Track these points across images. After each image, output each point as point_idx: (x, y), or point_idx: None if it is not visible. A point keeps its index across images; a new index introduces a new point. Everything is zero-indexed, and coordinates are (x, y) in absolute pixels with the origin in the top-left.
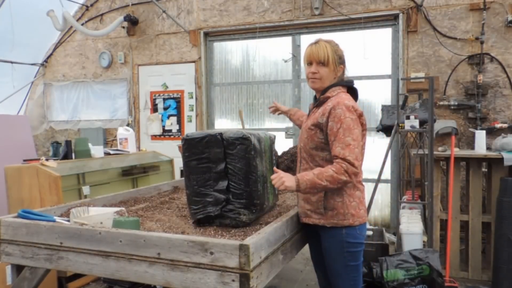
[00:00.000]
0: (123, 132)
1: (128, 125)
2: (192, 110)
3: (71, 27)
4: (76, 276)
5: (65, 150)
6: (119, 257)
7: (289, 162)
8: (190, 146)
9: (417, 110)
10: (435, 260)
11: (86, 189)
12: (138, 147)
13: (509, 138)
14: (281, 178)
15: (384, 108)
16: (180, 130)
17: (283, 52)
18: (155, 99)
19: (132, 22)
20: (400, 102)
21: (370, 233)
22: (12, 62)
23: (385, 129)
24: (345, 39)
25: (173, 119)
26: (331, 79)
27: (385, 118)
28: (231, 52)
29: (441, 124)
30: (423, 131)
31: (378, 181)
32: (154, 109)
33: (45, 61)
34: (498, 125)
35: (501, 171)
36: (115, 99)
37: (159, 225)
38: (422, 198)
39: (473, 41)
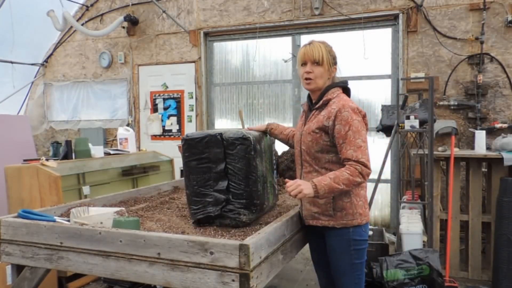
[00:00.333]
0: (123, 132)
1: (128, 125)
2: (192, 110)
3: (71, 27)
4: (76, 276)
5: (65, 150)
6: (119, 257)
7: (289, 162)
8: (190, 146)
9: (417, 110)
10: (435, 260)
11: (86, 189)
12: (138, 147)
13: (509, 138)
14: (299, 186)
15: (384, 108)
16: (180, 130)
17: (283, 52)
18: (155, 99)
19: (132, 22)
20: (400, 102)
21: (370, 233)
22: (12, 62)
23: (385, 129)
24: (345, 39)
25: (173, 119)
26: (325, 80)
27: (385, 118)
28: (231, 52)
29: (441, 124)
30: (423, 131)
31: (378, 181)
32: (154, 109)
33: (45, 61)
34: (498, 125)
35: (501, 171)
36: (115, 99)
37: (159, 225)
38: (422, 198)
39: (473, 41)
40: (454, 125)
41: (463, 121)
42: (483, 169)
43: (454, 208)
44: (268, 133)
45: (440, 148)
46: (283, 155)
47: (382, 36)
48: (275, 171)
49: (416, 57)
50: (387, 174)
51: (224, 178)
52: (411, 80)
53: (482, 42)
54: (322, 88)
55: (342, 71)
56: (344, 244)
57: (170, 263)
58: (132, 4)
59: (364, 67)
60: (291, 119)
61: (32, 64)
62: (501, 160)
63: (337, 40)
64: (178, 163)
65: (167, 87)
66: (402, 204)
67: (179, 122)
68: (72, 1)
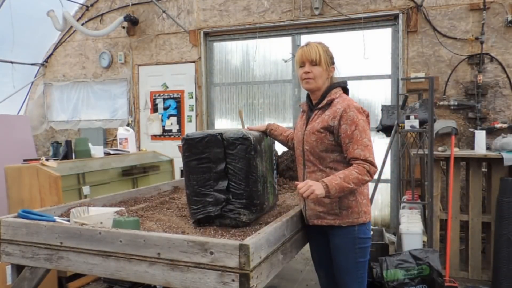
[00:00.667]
0: (123, 132)
1: (128, 125)
2: (192, 110)
3: (71, 27)
4: (76, 276)
5: (65, 150)
6: (119, 257)
7: (289, 162)
8: (190, 146)
9: (417, 110)
10: (435, 260)
11: (86, 189)
12: (138, 147)
13: (509, 138)
14: (310, 187)
15: (384, 108)
16: (180, 130)
17: (283, 52)
18: (155, 99)
19: (132, 22)
20: (400, 102)
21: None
22: (12, 62)
23: (385, 129)
24: (345, 39)
25: (173, 119)
26: (324, 79)
27: (385, 118)
28: (231, 52)
29: (441, 124)
30: (423, 131)
31: (378, 181)
32: (154, 109)
33: (45, 61)
34: (498, 125)
35: (501, 171)
36: (115, 99)
37: (159, 225)
38: (422, 198)
39: (473, 41)
40: (454, 125)
41: (463, 121)
42: (483, 169)
43: (454, 208)
44: (268, 133)
45: (440, 148)
46: (283, 155)
47: (382, 36)
48: (275, 171)
49: (416, 57)
50: (387, 174)
51: (224, 178)
52: (411, 80)
53: (482, 42)
54: (321, 88)
55: (342, 71)
56: (350, 242)
57: (170, 263)
58: (132, 4)
59: (364, 67)
60: (291, 119)
61: (32, 64)
62: (501, 160)
63: (337, 40)
64: (178, 163)
65: (167, 87)
66: (402, 204)
67: (179, 122)
68: (72, 1)
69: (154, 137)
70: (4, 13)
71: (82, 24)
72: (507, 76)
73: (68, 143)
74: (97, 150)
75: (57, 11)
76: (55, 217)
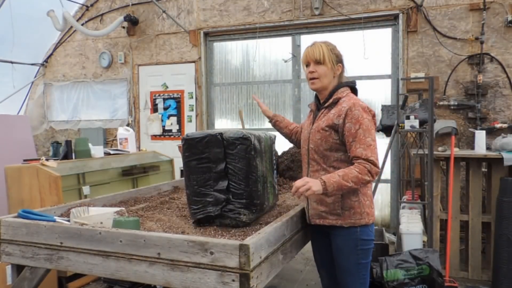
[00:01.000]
0: (123, 132)
1: (128, 125)
2: (192, 110)
3: (71, 27)
4: (76, 276)
5: (65, 150)
6: (119, 257)
7: (289, 162)
8: (190, 146)
9: (417, 110)
10: (435, 260)
11: (86, 189)
12: (138, 147)
13: (509, 138)
14: (307, 183)
15: (384, 108)
16: (180, 130)
17: (283, 52)
18: (155, 99)
19: (132, 22)
20: (400, 102)
21: None
22: (12, 62)
23: (385, 129)
24: (345, 39)
25: (173, 119)
26: (330, 78)
27: (385, 118)
28: (231, 52)
29: (441, 124)
30: (423, 131)
31: (378, 181)
32: (154, 109)
33: (45, 61)
34: (498, 125)
35: (501, 171)
36: (115, 99)
37: (159, 225)
38: (422, 198)
39: (473, 41)
40: (454, 125)
41: (463, 121)
42: (483, 169)
43: (454, 208)
44: (272, 124)
45: (440, 148)
46: (283, 155)
47: (382, 36)
48: (275, 171)
49: (416, 57)
50: (387, 174)
51: (224, 178)
52: (411, 80)
53: (482, 42)
54: (328, 87)
55: None
56: (351, 243)
57: (170, 263)
58: (132, 4)
59: (364, 67)
60: (291, 119)
61: (32, 64)
62: (501, 160)
63: (337, 40)
64: (178, 163)
65: (167, 87)
66: (402, 204)
67: (179, 122)
68: (72, 1)
69: (154, 137)
70: (4, 13)
71: (82, 24)
72: (507, 76)
73: (68, 143)
74: (97, 150)
75: (57, 11)
76: (55, 217)
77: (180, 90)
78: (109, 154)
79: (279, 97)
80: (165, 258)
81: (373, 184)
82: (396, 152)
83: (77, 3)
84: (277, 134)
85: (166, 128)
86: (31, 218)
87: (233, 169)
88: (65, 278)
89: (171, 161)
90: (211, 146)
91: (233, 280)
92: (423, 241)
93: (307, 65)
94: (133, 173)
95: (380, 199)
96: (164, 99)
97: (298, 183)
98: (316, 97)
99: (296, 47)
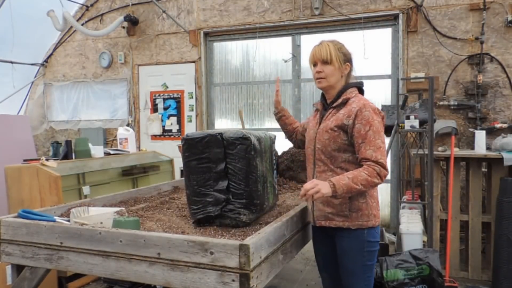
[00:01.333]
0: (123, 132)
1: (128, 125)
2: (192, 110)
3: (71, 27)
4: (76, 276)
5: (65, 150)
6: (119, 257)
7: (289, 162)
8: (190, 146)
9: (417, 110)
10: (435, 260)
11: (86, 189)
12: (138, 147)
13: (509, 138)
14: (316, 186)
15: (384, 108)
16: (180, 130)
17: (283, 52)
18: (155, 99)
19: (132, 22)
20: (400, 102)
21: None
22: (12, 62)
23: (385, 129)
24: (345, 39)
25: (173, 119)
26: (337, 78)
27: (385, 118)
28: (231, 52)
29: (441, 124)
30: (423, 131)
31: None
32: (154, 109)
33: (45, 61)
34: (498, 125)
35: (501, 171)
36: (115, 99)
37: (159, 225)
38: (422, 198)
39: (473, 41)
40: (454, 125)
41: (463, 121)
42: (483, 169)
43: (454, 208)
44: (277, 117)
45: (440, 148)
46: (283, 155)
47: (382, 36)
48: (275, 171)
49: (416, 57)
50: None
51: (224, 178)
52: (411, 80)
53: (482, 42)
54: (335, 86)
55: None
56: (358, 245)
57: (170, 263)
58: (132, 4)
59: (364, 67)
60: None
61: (32, 64)
62: (501, 160)
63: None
64: (178, 163)
65: (167, 87)
66: (402, 204)
67: (179, 122)
68: (72, 1)
69: (154, 137)
70: (4, 13)
71: (82, 24)
72: (507, 76)
73: (68, 143)
74: (97, 150)
75: (57, 11)
76: (55, 217)
77: (180, 90)
78: (109, 154)
79: None
80: (165, 258)
81: None
82: (396, 152)
83: (77, 3)
84: (277, 134)
85: (166, 128)
86: (31, 218)
87: (233, 169)
88: (65, 278)
89: (171, 161)
90: (211, 146)
91: (233, 280)
92: (423, 241)
93: (315, 64)
94: (133, 173)
95: (380, 199)
96: (164, 99)
97: (307, 185)
98: (323, 96)
99: (296, 47)
